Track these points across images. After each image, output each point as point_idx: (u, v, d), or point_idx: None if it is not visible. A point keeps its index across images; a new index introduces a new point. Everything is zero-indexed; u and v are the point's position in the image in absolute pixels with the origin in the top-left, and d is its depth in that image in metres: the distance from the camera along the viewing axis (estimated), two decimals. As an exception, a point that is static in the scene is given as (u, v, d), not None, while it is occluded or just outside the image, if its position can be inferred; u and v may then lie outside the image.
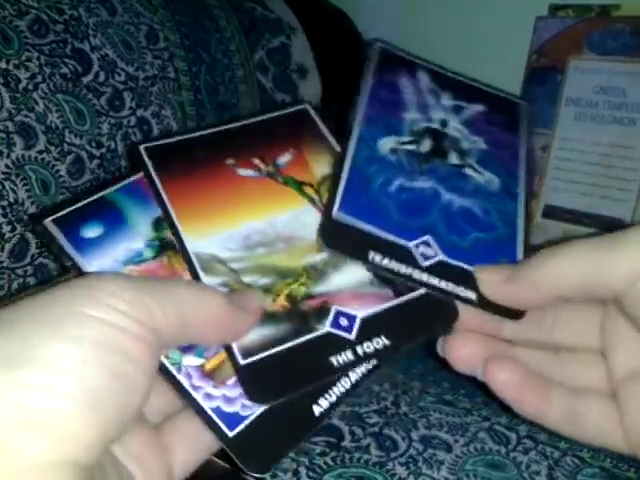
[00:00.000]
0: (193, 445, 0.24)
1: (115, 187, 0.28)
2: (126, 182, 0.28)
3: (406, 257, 0.27)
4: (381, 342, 0.25)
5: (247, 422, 0.23)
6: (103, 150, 0.57)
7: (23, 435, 0.17)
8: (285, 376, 0.24)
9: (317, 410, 0.23)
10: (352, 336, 0.25)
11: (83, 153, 0.55)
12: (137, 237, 0.26)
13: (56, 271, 0.53)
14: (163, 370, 0.24)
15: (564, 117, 0.62)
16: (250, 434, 0.23)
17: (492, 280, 0.26)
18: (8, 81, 0.51)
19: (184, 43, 0.64)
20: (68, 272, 0.26)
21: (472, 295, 0.26)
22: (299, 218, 0.28)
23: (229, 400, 0.23)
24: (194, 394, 0.23)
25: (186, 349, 0.24)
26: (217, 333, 0.23)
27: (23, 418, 0.17)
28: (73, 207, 0.27)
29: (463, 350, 0.26)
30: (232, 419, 0.23)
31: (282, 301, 0.26)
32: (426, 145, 0.31)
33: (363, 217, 0.28)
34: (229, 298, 0.24)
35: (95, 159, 0.56)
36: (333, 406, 0.24)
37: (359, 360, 0.24)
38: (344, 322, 0.25)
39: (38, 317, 0.19)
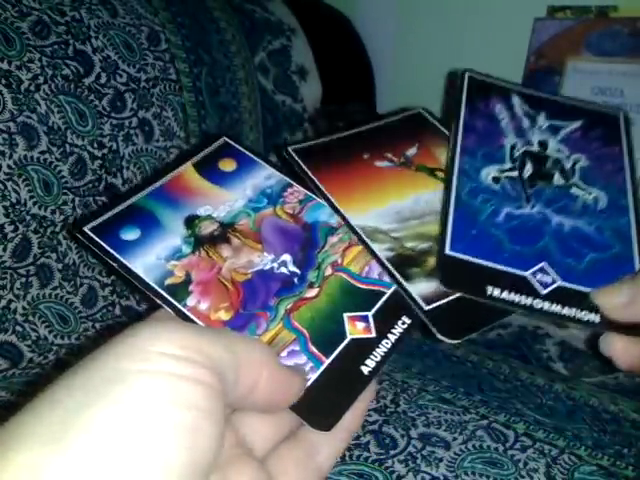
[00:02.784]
0: (300, 472, 0.24)
1: (142, 193, 0.30)
2: (152, 188, 0.30)
3: (524, 287, 0.27)
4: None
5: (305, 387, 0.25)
6: (105, 151, 0.57)
7: None
8: (469, 318, 0.27)
9: (365, 370, 0.26)
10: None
11: (85, 154, 0.55)
12: (173, 236, 0.28)
13: (59, 272, 0.54)
14: None
15: (562, 118, 0.62)
16: (308, 396, 0.24)
17: (614, 303, 0.26)
18: (10, 82, 0.52)
19: (185, 45, 0.65)
20: (116, 274, 0.27)
21: (596, 318, 0.26)
22: (438, 195, 0.31)
23: None
24: None
25: (240, 328, 0.26)
26: (270, 386, 0.22)
27: None
28: (107, 215, 0.29)
29: (624, 348, 0.26)
30: None
31: None
32: (528, 170, 0.31)
33: (475, 252, 0.28)
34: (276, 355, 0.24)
35: (97, 160, 0.56)
36: (379, 365, 0.26)
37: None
38: None
39: (81, 384, 0.17)
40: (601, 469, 0.37)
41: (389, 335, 0.27)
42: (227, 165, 0.31)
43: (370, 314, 0.27)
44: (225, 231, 0.29)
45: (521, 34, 0.65)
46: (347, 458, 0.41)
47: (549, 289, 0.27)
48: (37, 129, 0.53)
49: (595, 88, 0.60)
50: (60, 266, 0.54)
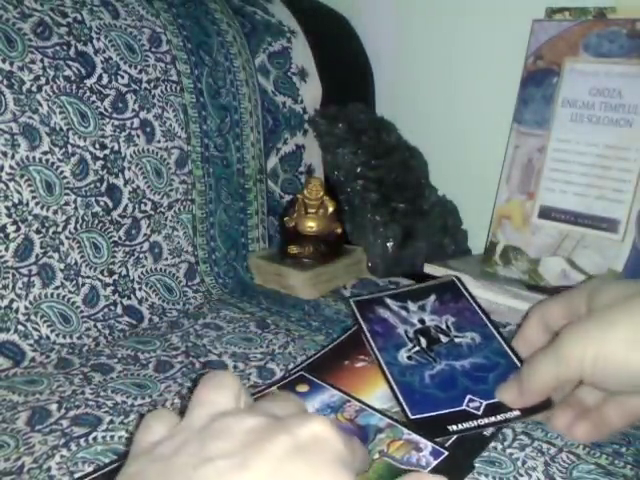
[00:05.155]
0: None
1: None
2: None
3: (467, 416, 0.39)
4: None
5: None
6: (107, 152, 0.57)
7: None
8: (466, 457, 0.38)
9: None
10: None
11: (87, 154, 0.56)
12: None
13: (61, 271, 0.54)
14: None
15: (560, 118, 0.62)
16: None
17: (510, 398, 0.39)
18: (12, 83, 0.52)
19: (186, 46, 0.65)
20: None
21: (517, 412, 0.39)
22: None
23: None
24: None
25: None
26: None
27: None
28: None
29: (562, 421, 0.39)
30: None
31: None
32: (423, 342, 0.47)
33: (426, 409, 0.40)
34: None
35: (99, 160, 0.57)
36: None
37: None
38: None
39: None
40: (599, 468, 0.37)
41: None
42: (302, 387, 0.42)
43: None
44: None
45: (520, 36, 0.65)
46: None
47: (481, 409, 0.39)
48: (39, 130, 0.53)
49: (593, 89, 0.61)
50: (62, 266, 0.54)
